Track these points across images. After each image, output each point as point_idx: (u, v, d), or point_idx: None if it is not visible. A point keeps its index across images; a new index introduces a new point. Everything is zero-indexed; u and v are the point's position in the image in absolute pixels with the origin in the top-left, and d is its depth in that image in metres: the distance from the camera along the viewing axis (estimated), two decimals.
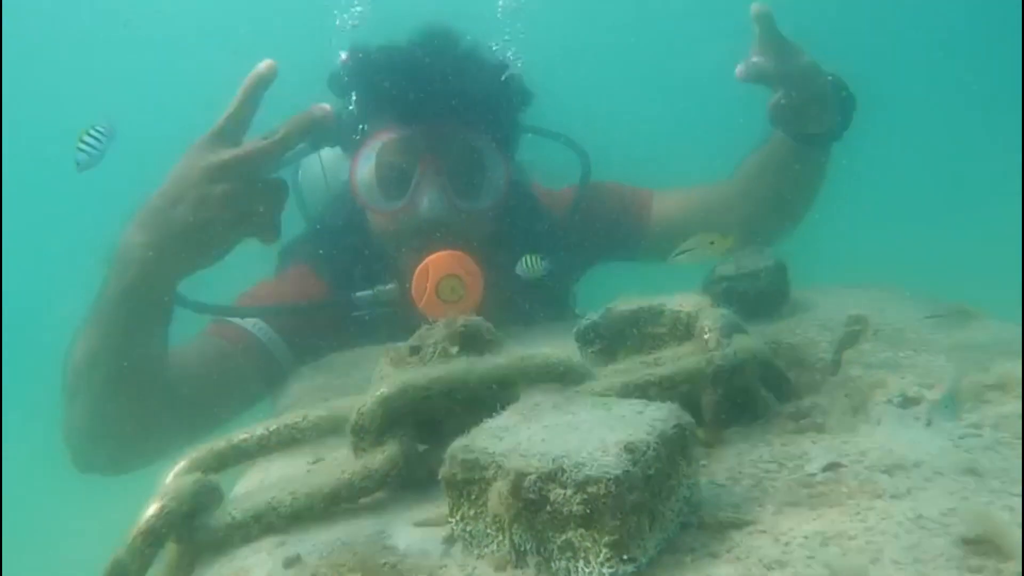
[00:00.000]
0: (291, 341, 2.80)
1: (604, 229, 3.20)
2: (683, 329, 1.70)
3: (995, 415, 1.48)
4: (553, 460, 1.11)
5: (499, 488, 1.12)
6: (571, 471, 1.09)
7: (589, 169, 3.14)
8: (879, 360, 1.83)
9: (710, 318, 1.64)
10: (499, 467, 1.15)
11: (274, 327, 2.81)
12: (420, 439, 1.53)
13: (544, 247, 2.91)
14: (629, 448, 1.12)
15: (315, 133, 2.43)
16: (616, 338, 1.80)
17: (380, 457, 1.43)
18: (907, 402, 1.58)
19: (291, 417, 1.55)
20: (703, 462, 1.44)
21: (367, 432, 1.45)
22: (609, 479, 1.07)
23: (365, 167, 2.80)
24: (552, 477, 1.10)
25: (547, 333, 2.57)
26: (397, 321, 2.62)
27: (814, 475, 1.35)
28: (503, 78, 2.87)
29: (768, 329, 2.19)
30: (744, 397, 1.59)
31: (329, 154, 3.03)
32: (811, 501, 1.26)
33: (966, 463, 1.32)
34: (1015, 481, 1.25)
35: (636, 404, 1.27)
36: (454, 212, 2.78)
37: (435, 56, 2.73)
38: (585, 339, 1.85)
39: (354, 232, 2.93)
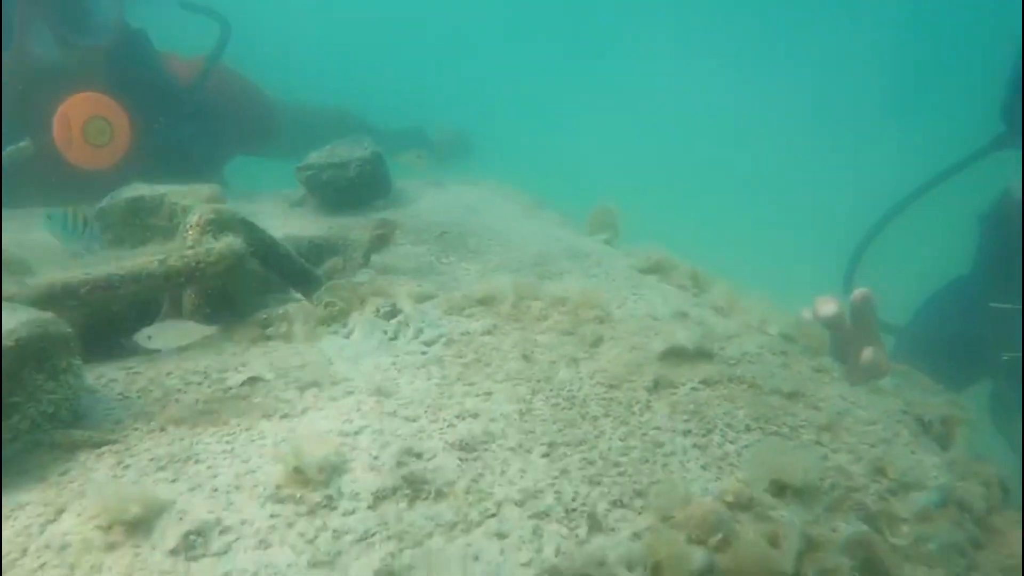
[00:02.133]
0: None
1: (239, 117, 3.05)
2: (179, 223, 1.57)
3: (457, 332, 1.47)
4: None
5: None
6: None
7: (225, 40, 2.92)
8: (411, 266, 1.79)
9: (198, 215, 1.51)
10: None
11: None
12: None
13: (169, 110, 2.69)
14: None
15: None
16: (123, 226, 1.65)
17: None
18: (393, 312, 1.54)
19: None
20: (136, 369, 1.34)
21: None
22: None
23: None
24: None
25: None
26: (46, 181, 2.40)
27: (230, 389, 1.28)
28: None
29: (348, 222, 2.11)
30: (224, 297, 1.50)
31: None
32: (198, 419, 1.20)
33: (382, 383, 1.30)
34: (410, 402, 1.24)
35: (18, 314, 1.13)
36: (68, 52, 2.48)
37: None
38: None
39: None
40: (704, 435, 1.19)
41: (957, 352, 2.39)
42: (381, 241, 1.74)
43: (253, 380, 1.30)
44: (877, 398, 1.41)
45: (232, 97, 3.06)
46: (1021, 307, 2.15)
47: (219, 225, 1.52)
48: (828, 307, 1.86)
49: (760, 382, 1.33)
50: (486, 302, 1.58)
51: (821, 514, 1.08)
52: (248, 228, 1.58)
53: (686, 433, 1.19)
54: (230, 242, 1.48)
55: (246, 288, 1.55)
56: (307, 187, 2.19)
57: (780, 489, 1.09)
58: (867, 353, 1.82)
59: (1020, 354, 2.24)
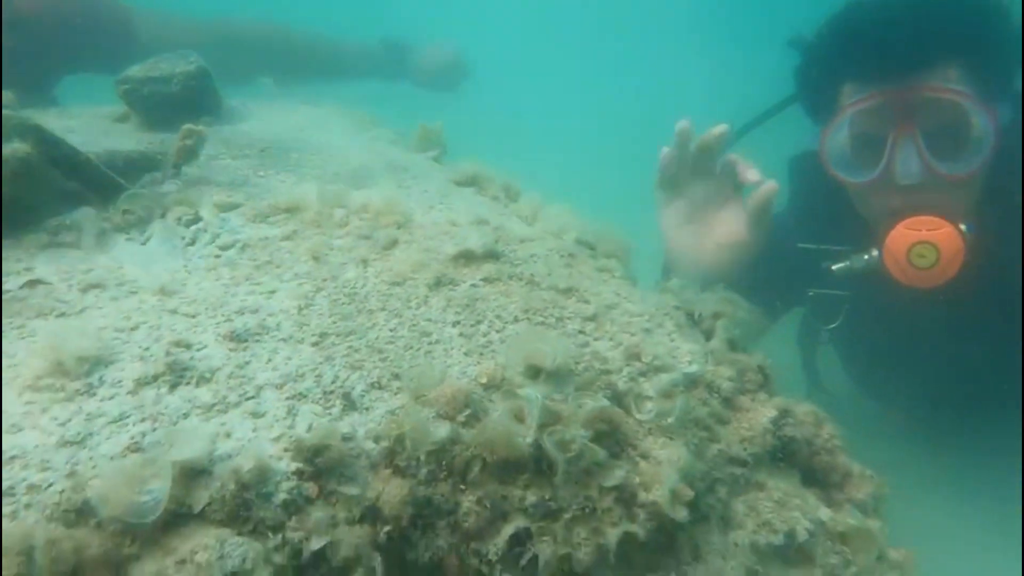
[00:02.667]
0: None
1: (70, 30, 2.90)
2: None
3: (256, 237, 1.50)
4: None
5: None
6: None
7: None
8: (225, 179, 1.79)
9: None
10: None
11: None
12: None
13: None
14: None
15: None
16: None
17: None
18: (194, 220, 1.55)
19: None
20: None
21: None
22: None
23: None
24: None
25: None
26: None
27: (8, 292, 1.28)
28: None
29: (170, 138, 2.07)
30: (14, 205, 1.48)
31: None
32: None
33: (169, 284, 1.32)
34: (192, 301, 1.27)
35: None
36: None
37: None
38: None
39: None
40: (473, 325, 1.26)
41: (770, 285, 2.55)
42: (188, 151, 1.73)
43: (34, 283, 1.30)
44: (653, 295, 1.52)
45: (55, 7, 2.89)
46: (826, 248, 2.30)
47: (11, 134, 1.49)
48: (719, 128, 2.04)
49: (538, 279, 1.41)
50: (291, 210, 1.60)
51: (571, 393, 1.16)
52: (42, 137, 1.55)
53: (456, 324, 1.26)
54: (15, 148, 1.45)
55: (40, 197, 1.52)
56: (126, 102, 2.14)
57: (535, 372, 1.17)
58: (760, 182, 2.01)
59: (824, 290, 2.41)
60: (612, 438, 1.15)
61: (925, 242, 1.98)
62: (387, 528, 0.99)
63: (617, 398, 1.20)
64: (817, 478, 1.49)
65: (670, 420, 1.20)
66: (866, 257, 2.14)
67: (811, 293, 2.42)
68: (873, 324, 2.47)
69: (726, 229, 2.07)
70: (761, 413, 1.37)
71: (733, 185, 2.07)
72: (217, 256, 1.43)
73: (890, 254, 2.03)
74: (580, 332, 1.30)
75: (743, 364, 1.46)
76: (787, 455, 1.41)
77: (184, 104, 2.16)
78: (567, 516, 1.07)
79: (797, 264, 2.37)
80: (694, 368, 1.32)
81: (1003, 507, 2.69)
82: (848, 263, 2.19)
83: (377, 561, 0.97)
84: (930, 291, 2.05)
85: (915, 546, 2.44)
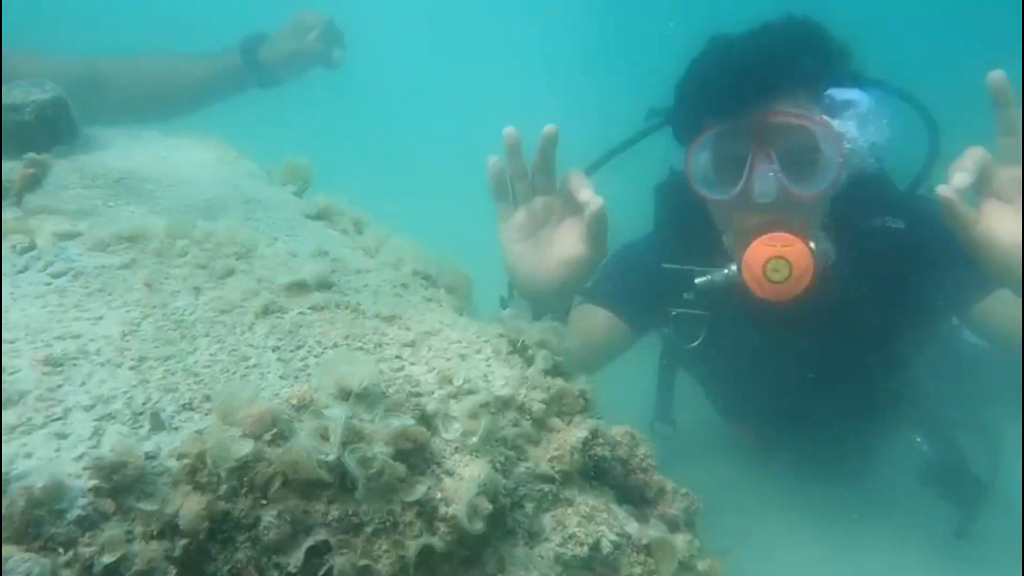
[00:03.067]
0: None
1: None
2: None
3: (92, 266, 1.53)
4: None
5: None
6: None
7: None
8: (71, 208, 1.81)
9: None
10: None
11: None
12: None
13: None
14: None
15: None
16: None
17: None
18: (28, 248, 1.57)
19: None
20: None
21: None
22: None
23: None
24: None
25: None
26: None
27: None
28: None
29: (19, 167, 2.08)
30: None
31: None
32: None
33: None
34: (13, 328, 1.29)
35: None
36: None
37: None
38: None
39: None
40: (292, 351, 1.33)
41: (636, 304, 2.69)
42: (30, 180, 1.75)
43: None
44: (478, 324, 1.61)
45: None
46: (689, 269, 2.45)
47: None
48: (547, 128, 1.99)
49: (364, 308, 1.48)
50: (133, 239, 1.63)
51: (380, 414, 1.24)
52: None
53: (275, 349, 1.32)
54: None
55: None
56: None
57: (346, 394, 1.24)
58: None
59: (686, 310, 2.56)
60: (419, 456, 1.23)
61: (779, 257, 2.14)
62: (184, 542, 1.04)
63: (426, 419, 1.28)
64: (632, 496, 1.60)
65: (474, 439, 1.29)
66: (726, 272, 2.31)
67: (674, 313, 2.58)
68: (731, 342, 2.63)
69: (564, 248, 2.04)
70: (572, 434, 1.47)
71: (573, 201, 2.09)
72: (48, 284, 1.46)
73: (748, 268, 2.19)
74: (397, 357, 1.38)
75: (562, 389, 1.56)
76: (599, 473, 1.52)
77: (37, 132, 2.16)
78: (368, 530, 1.14)
79: (662, 285, 2.53)
80: (506, 391, 1.42)
81: (845, 525, 2.88)
82: (710, 277, 2.35)
83: (172, 574, 1.01)
84: (784, 307, 2.21)
85: (757, 560, 2.60)
